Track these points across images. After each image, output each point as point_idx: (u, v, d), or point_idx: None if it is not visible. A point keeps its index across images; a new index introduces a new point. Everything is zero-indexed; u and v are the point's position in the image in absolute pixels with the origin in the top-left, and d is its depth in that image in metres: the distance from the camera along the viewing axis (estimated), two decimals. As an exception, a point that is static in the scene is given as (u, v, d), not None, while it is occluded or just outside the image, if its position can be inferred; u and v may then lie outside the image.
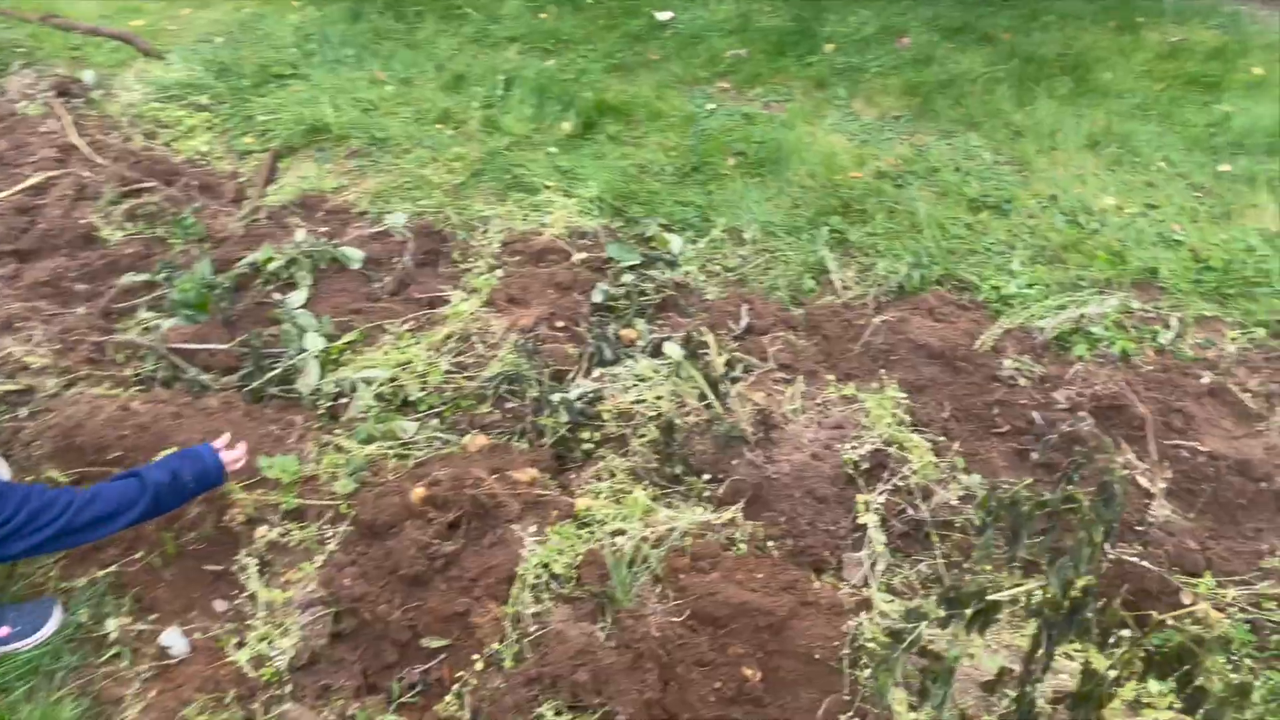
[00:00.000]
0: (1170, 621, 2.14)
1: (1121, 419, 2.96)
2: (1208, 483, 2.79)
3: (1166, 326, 3.30)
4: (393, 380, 3.19)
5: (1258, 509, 2.73)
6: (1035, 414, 2.89)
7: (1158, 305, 3.39)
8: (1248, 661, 2.36)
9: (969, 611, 1.77)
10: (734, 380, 3.07)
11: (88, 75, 4.77)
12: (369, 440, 3.01)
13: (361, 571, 2.58)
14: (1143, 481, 2.80)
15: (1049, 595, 1.74)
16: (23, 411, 3.01)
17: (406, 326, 3.42)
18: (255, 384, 3.19)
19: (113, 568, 2.69)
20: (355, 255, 3.70)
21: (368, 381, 3.19)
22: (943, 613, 1.73)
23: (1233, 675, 2.14)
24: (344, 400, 3.17)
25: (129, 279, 3.58)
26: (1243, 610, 2.46)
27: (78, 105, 4.58)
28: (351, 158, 4.32)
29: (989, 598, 1.71)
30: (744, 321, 3.41)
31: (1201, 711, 1.89)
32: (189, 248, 3.77)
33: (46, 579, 2.68)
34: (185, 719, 2.29)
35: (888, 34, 5.08)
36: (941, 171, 4.08)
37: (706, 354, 3.18)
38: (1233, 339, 3.23)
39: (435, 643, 2.47)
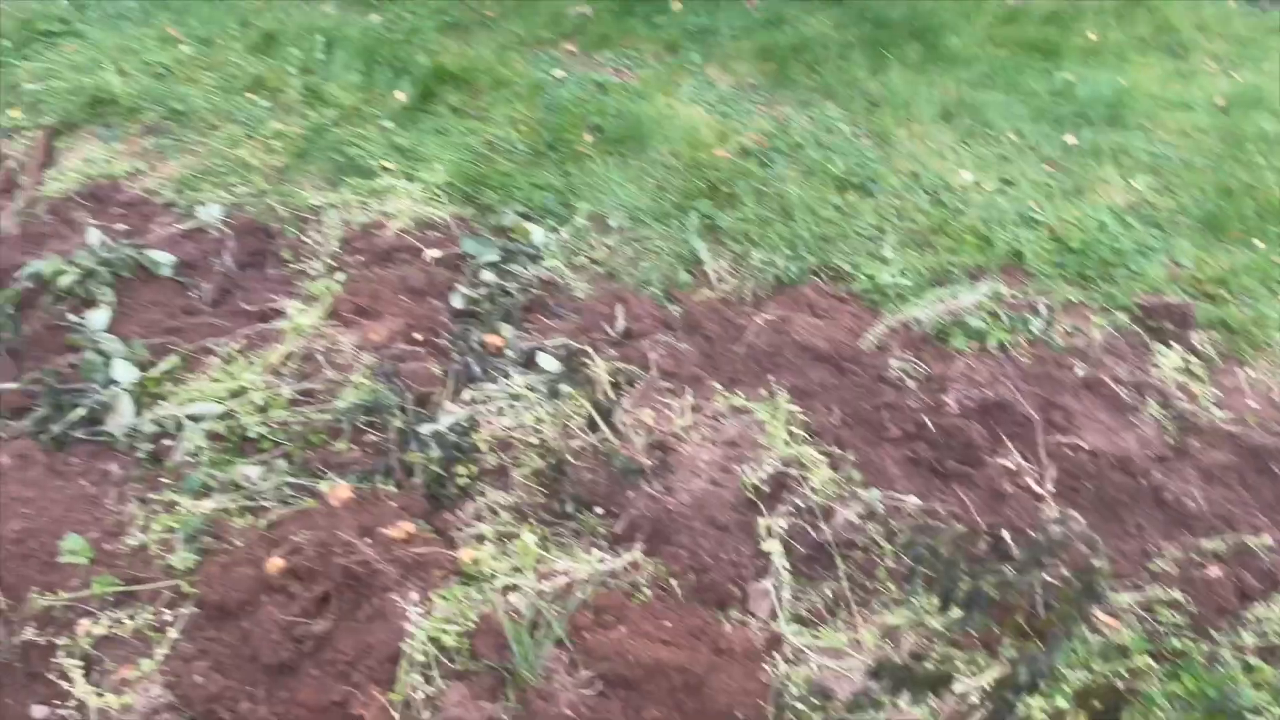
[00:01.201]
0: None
1: (1006, 417, 2.95)
2: (1090, 480, 2.83)
3: (1036, 313, 3.32)
4: (226, 415, 2.76)
5: (1139, 505, 2.80)
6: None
7: (1026, 291, 3.41)
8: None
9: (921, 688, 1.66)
10: (619, 401, 2.84)
11: None
12: (204, 491, 2.60)
13: (215, 663, 2.22)
14: (1031, 484, 2.81)
15: (1012, 678, 1.65)
16: None
17: (236, 346, 2.98)
18: (55, 429, 2.69)
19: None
20: (165, 260, 3.19)
21: (195, 418, 2.75)
22: (902, 703, 1.61)
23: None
24: (168, 442, 2.73)
25: (-127, 301, 2.93)
26: (1137, 616, 2.51)
27: None
28: (147, 135, 3.71)
29: (951, 683, 1.60)
30: (620, 324, 3.18)
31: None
32: (-50, 256, 3.12)
33: None
34: None
35: (736, -10, 4.86)
36: (805, 148, 3.95)
37: (587, 367, 2.94)
38: (1098, 325, 3.29)
39: (311, 738, 2.16)
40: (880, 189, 3.80)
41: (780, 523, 2.64)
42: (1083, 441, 2.88)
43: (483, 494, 2.68)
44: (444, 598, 2.34)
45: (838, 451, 2.86)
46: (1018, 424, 2.95)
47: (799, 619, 2.51)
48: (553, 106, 3.97)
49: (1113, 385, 3.07)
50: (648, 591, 2.46)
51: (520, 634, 2.24)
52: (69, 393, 2.75)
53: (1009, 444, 2.90)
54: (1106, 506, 2.80)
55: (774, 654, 2.39)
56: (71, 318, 2.95)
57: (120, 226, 3.32)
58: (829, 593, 2.57)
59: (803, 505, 2.69)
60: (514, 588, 2.40)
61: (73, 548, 2.31)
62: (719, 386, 3.01)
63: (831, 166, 3.86)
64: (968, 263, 3.49)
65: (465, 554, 2.47)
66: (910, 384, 3.02)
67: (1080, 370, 3.12)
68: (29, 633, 2.25)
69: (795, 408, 2.90)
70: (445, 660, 2.24)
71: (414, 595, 2.31)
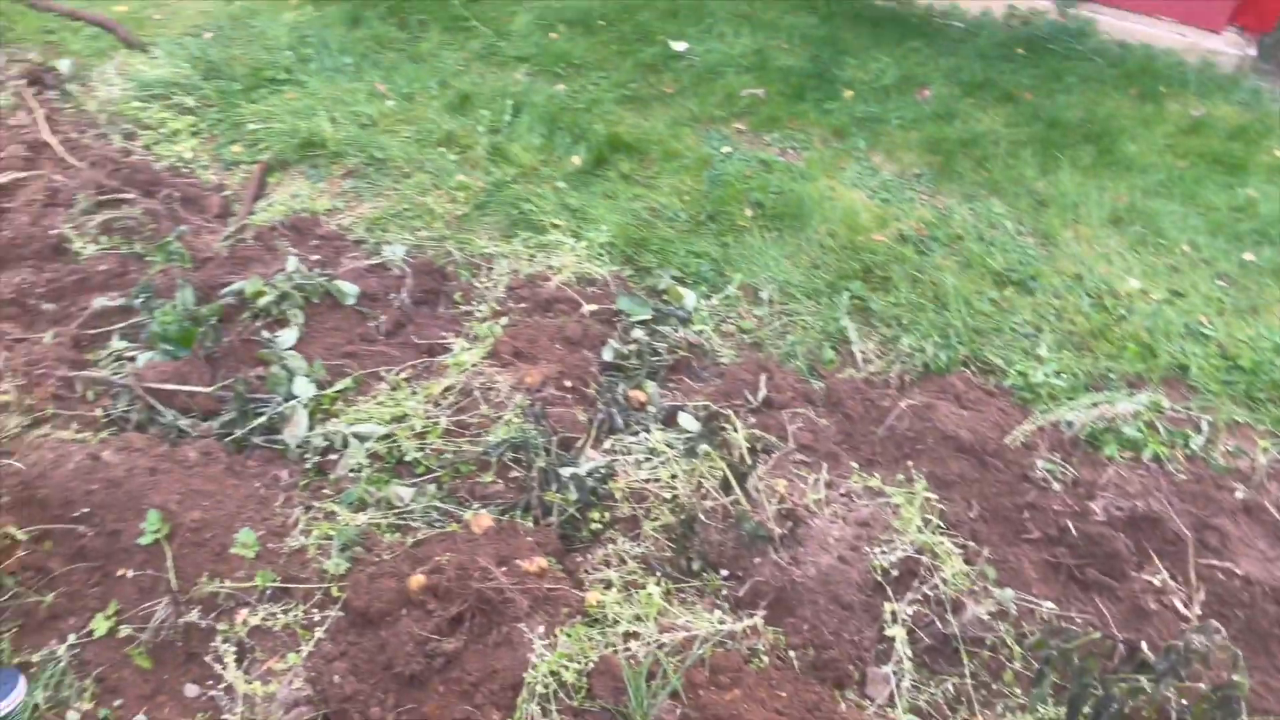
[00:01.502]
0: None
1: (1156, 533, 2.83)
2: (1242, 609, 2.68)
3: (1198, 430, 3.19)
4: (387, 438, 2.96)
5: (1295, 642, 2.63)
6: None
7: (1188, 406, 3.28)
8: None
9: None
10: (756, 467, 2.88)
11: (64, 64, 4.43)
12: (361, 505, 2.79)
13: (352, 666, 2.37)
14: (1178, 604, 2.68)
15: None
16: (-22, 453, 2.73)
17: (403, 375, 3.20)
18: (238, 433, 2.95)
19: (72, 639, 2.44)
20: (350, 290, 3.46)
21: (360, 437, 2.96)
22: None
23: None
24: (333, 456, 2.94)
25: (102, 302, 3.30)
26: (1286, 760, 2.35)
27: (51, 97, 4.26)
28: (347, 177, 4.06)
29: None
30: (762, 392, 3.24)
31: None
32: (171, 269, 3.49)
33: (-2, 650, 2.42)
34: (151, 840, 2.06)
35: (908, 84, 4.94)
36: (965, 240, 3.94)
37: (726, 430, 3.00)
38: (1264, 449, 3.13)
39: (430, 752, 2.26)
40: (1040, 288, 3.75)
41: (907, 610, 2.61)
42: (1237, 567, 2.74)
43: (613, 541, 2.77)
44: (568, 635, 2.42)
45: (973, 546, 2.81)
46: (1168, 541, 2.82)
47: (917, 710, 2.47)
48: (717, 180, 4.12)
49: (1275, 513, 2.91)
50: (765, 659, 2.47)
51: (637, 680, 2.29)
52: (254, 402, 3.01)
53: (1156, 560, 2.78)
54: (1257, 638, 2.64)
55: (889, 744, 2.36)
56: (265, 334, 3.24)
57: (315, 257, 3.63)
58: (951, 688, 2.52)
59: (931, 595, 2.66)
60: (635, 635, 2.46)
61: (245, 541, 2.52)
62: (855, 466, 3.02)
63: (991, 261, 3.85)
64: (1127, 370, 3.40)
65: (591, 596, 2.55)
66: (1055, 486, 2.95)
67: (1240, 493, 2.97)
68: (194, 615, 2.46)
69: (932, 496, 2.88)
70: (563, 695, 2.32)
71: (540, 628, 2.41)
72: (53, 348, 3.08)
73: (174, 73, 4.45)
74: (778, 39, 5.16)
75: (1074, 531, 2.81)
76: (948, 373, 3.36)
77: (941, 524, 2.82)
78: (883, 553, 2.69)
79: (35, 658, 2.41)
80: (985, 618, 2.61)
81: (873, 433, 3.16)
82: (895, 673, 2.51)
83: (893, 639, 2.56)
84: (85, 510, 2.59)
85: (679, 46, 4.99)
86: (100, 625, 2.44)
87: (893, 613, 2.60)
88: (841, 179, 4.27)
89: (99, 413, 2.95)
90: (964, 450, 3.05)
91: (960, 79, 4.97)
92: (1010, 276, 3.79)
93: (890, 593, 2.65)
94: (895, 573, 2.66)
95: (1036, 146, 4.48)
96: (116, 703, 2.36)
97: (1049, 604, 2.63)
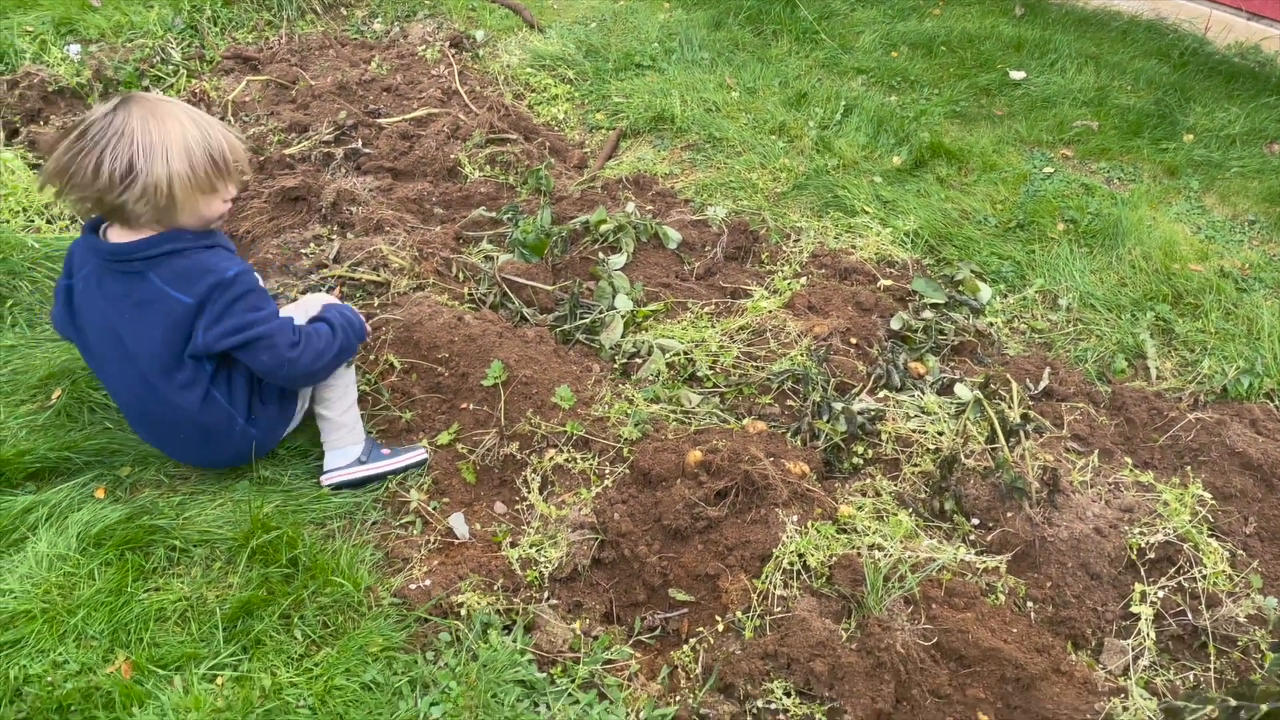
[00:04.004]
0: None
1: None
2: None
3: None
4: (685, 354, 3.36)
5: None
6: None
7: None
8: None
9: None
10: (1025, 435, 2.99)
11: (479, 34, 5.36)
12: (655, 400, 3.20)
13: (630, 511, 2.75)
14: None
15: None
16: (376, 300, 3.44)
17: (707, 310, 3.60)
18: (566, 327, 3.47)
19: (424, 443, 3.03)
20: (674, 236, 3.94)
21: (663, 349, 3.38)
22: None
23: None
24: (638, 360, 3.38)
25: (479, 213, 3.99)
26: None
27: (465, 58, 5.16)
28: (687, 150, 4.58)
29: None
30: (1043, 383, 3.32)
31: None
32: (533, 198, 4.15)
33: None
34: (459, 589, 2.54)
35: (1256, 137, 4.74)
36: (1295, 285, 3.77)
37: (1001, 403, 3.13)
38: None
39: (681, 596, 2.59)
40: (1373, 343, 3.51)
41: (1158, 593, 2.61)
42: None
43: (872, 476, 2.98)
44: (817, 529, 2.67)
45: (1242, 554, 2.75)
46: None
47: (1151, 688, 2.47)
48: (1033, 194, 4.21)
49: None
50: (1002, 598, 2.58)
51: (876, 576, 2.50)
52: (582, 306, 3.54)
53: None
54: None
55: (1115, 700, 2.39)
56: (600, 255, 3.78)
57: (649, 207, 4.16)
58: (1191, 678, 2.49)
59: (1187, 587, 2.64)
60: (879, 547, 2.67)
61: (562, 395, 3.01)
62: (1129, 463, 3.03)
63: (1320, 309, 3.65)
64: None
65: (844, 509, 2.78)
66: (1350, 520, 2.80)
67: None
68: (513, 448, 2.97)
69: (1207, 497, 2.84)
70: (805, 576, 2.57)
71: (795, 518, 2.68)
72: (439, 236, 3.79)
73: (562, 50, 5.23)
74: (1122, 80, 5.14)
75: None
76: (1247, 399, 3.26)
77: (1212, 527, 2.78)
78: (1141, 533, 2.70)
79: (392, 455, 3.02)
80: (1242, 620, 2.56)
81: (1153, 439, 3.14)
82: (1134, 649, 2.53)
83: (1138, 617, 2.58)
84: (445, 355, 3.20)
85: (1017, 75, 5.12)
86: (444, 438, 3.02)
87: (1143, 593, 2.62)
88: (1166, 213, 4.20)
89: (465, 291, 3.59)
90: (1251, 468, 2.96)
91: (1321, 137, 4.71)
92: (1341, 327, 3.58)
93: (1143, 574, 2.66)
94: (1152, 555, 2.67)
95: (1398, 211, 4.17)
96: (444, 500, 2.90)
97: (1319, 624, 2.53)
